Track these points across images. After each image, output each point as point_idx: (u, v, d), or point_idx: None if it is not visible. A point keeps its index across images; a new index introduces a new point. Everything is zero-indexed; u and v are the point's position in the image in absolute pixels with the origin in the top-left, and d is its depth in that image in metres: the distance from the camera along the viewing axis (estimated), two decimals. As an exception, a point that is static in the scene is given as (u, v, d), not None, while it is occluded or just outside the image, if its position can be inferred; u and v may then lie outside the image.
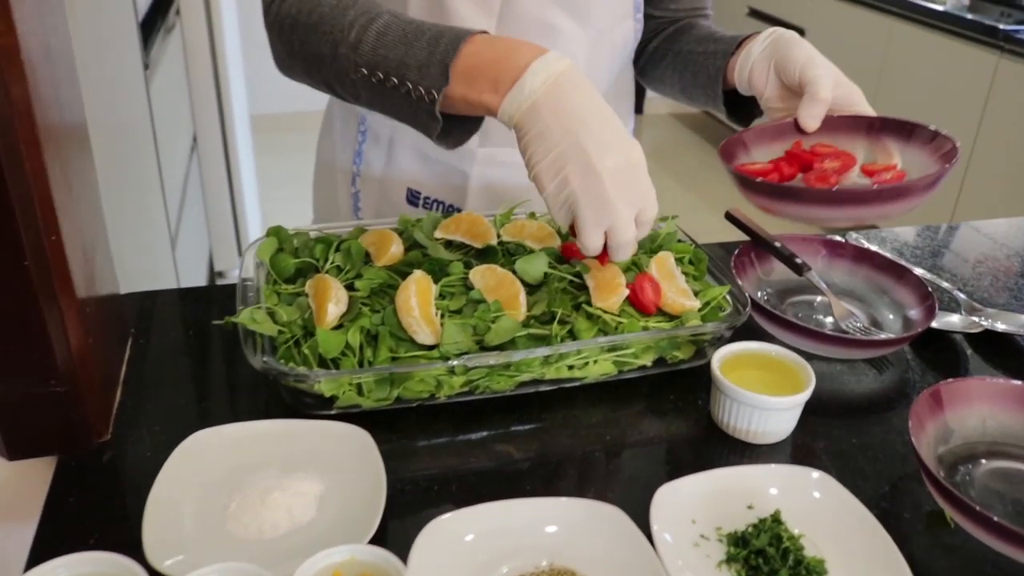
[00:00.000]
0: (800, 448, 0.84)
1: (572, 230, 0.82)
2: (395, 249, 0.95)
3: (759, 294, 1.04)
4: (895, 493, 0.78)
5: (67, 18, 0.81)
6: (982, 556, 0.72)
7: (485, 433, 0.85)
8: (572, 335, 0.86)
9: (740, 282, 0.99)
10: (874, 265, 1.06)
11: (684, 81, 1.16)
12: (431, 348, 0.83)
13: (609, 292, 0.89)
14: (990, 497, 0.77)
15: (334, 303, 0.85)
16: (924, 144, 0.94)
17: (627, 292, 0.90)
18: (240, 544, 0.68)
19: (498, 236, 1.01)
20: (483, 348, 0.83)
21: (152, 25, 2.27)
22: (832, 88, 0.96)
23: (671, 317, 0.90)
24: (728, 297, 0.94)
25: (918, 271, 1.13)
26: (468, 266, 0.94)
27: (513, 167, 1.13)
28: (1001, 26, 2.80)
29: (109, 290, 0.88)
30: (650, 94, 1.37)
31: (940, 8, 3.02)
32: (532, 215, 1.07)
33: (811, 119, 0.96)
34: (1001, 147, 2.85)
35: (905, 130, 0.96)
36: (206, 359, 0.94)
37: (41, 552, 0.69)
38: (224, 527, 0.70)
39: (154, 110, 2.12)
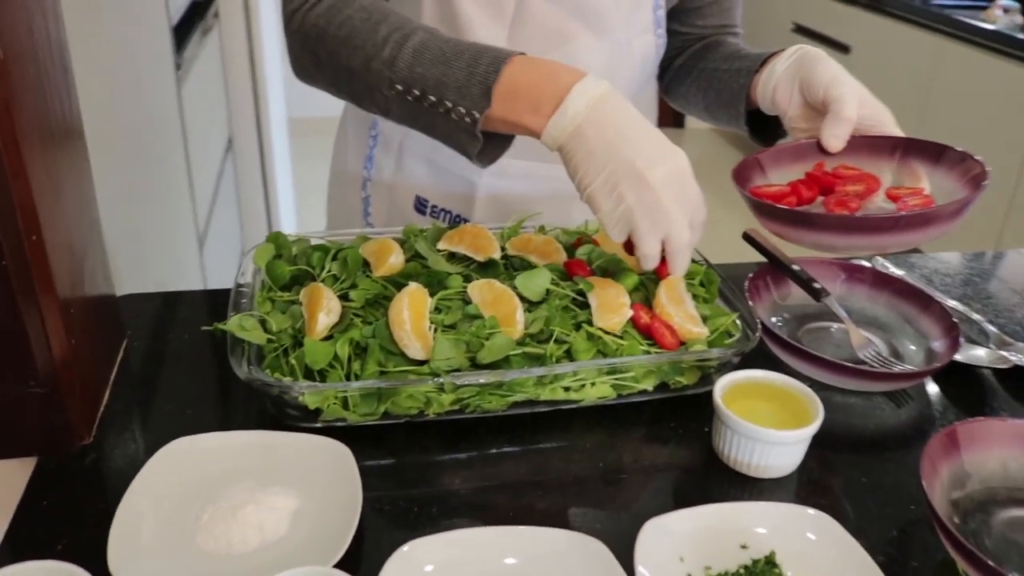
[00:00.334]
0: (805, 484, 0.79)
1: (626, 245, 0.84)
2: (394, 259, 0.92)
3: (773, 319, 1.00)
4: (904, 539, 0.74)
5: (62, 22, 0.80)
6: (994, 612, 0.67)
7: (474, 453, 0.81)
8: (569, 355, 0.83)
9: (753, 306, 0.95)
10: (897, 292, 1.01)
11: (708, 99, 1.13)
12: (422, 363, 0.80)
13: (611, 312, 0.86)
14: (1008, 549, 0.72)
15: (325, 313, 0.83)
16: (952, 167, 0.89)
17: (630, 313, 0.87)
18: (206, 559, 0.66)
19: (503, 249, 0.98)
20: (475, 366, 0.80)
21: (188, 27, 2.29)
22: (858, 107, 0.92)
23: (678, 342, 0.86)
24: (738, 322, 0.90)
25: (950, 302, 1.07)
26: (468, 279, 0.91)
27: (521, 178, 1.10)
28: (1055, 48, 2.70)
29: (100, 291, 0.87)
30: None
31: (991, 27, 2.93)
32: (541, 229, 1.04)
33: (834, 139, 0.92)
34: (1051, 173, 2.75)
35: (933, 152, 0.91)
36: (200, 365, 0.92)
37: (5, 556, 0.67)
38: (194, 540, 0.67)
39: (185, 111, 2.13)
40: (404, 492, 0.77)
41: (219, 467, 0.74)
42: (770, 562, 0.66)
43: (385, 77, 0.83)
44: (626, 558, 0.65)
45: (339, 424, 0.80)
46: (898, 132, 0.94)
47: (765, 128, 1.07)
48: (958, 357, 0.92)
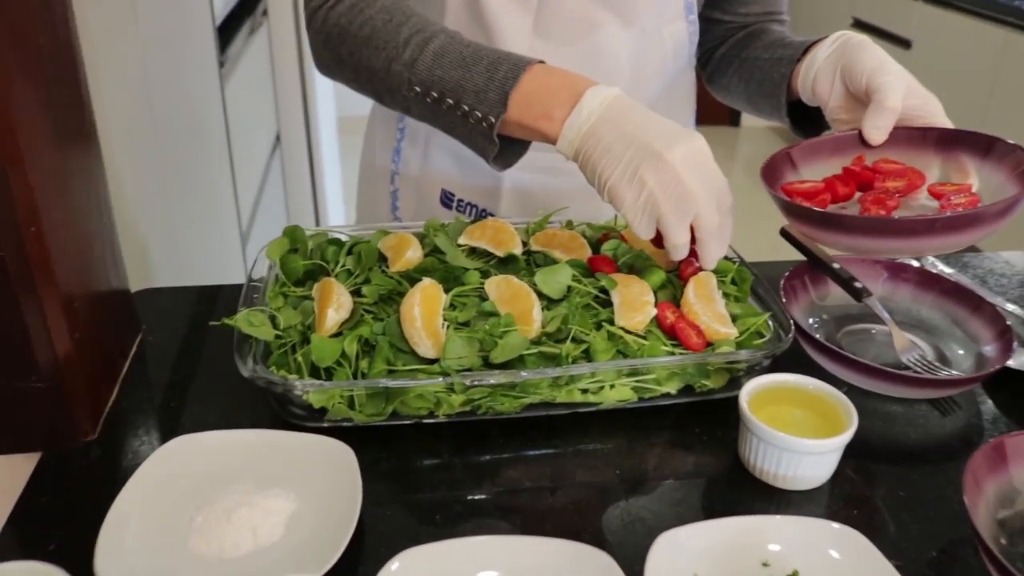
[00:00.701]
0: (838, 497, 0.74)
1: (655, 241, 0.80)
2: (411, 254, 0.89)
3: (811, 320, 0.94)
4: (945, 560, 0.68)
5: (72, 20, 0.78)
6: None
7: (486, 457, 0.78)
8: (588, 356, 0.79)
9: (789, 306, 0.90)
10: (945, 293, 0.95)
11: (749, 90, 1.07)
12: (433, 362, 0.77)
13: (634, 310, 0.81)
14: (1060, 572, 0.65)
15: (335, 309, 0.80)
16: (1002, 160, 0.82)
17: (654, 311, 0.82)
18: (196, 562, 0.63)
19: (525, 245, 0.94)
20: (488, 365, 0.77)
21: (236, 24, 2.30)
22: (904, 96, 0.85)
23: (704, 343, 0.81)
24: (770, 322, 0.85)
25: (1008, 305, 1.00)
26: (486, 275, 0.88)
27: (548, 172, 1.07)
28: None
29: (111, 285, 0.86)
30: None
31: (1063, 18, 2.80)
32: (568, 224, 1.00)
33: (876, 130, 0.86)
34: None
35: (982, 144, 0.84)
36: (214, 361, 0.90)
37: (-1, 555, 0.66)
38: (186, 542, 0.65)
39: (229, 108, 2.14)
40: (409, 496, 0.73)
41: (218, 467, 0.72)
42: (793, 582, 0.61)
43: (405, 79, 0.84)
44: (637, 573, 0.61)
45: (346, 424, 0.78)
46: (947, 123, 0.88)
47: (808, 120, 1.02)
48: (1011, 363, 0.85)
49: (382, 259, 0.92)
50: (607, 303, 0.85)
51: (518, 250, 0.91)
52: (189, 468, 0.71)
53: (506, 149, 0.84)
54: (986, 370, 0.84)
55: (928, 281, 0.96)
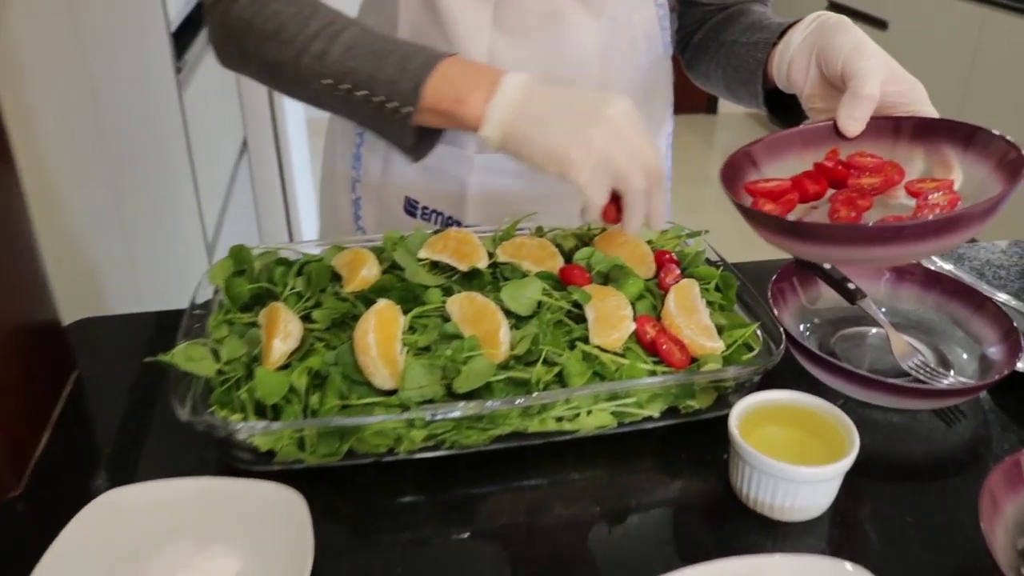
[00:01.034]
0: (840, 527, 0.67)
1: (608, 213, 0.78)
2: (366, 272, 0.82)
3: (801, 327, 0.88)
4: (960, 594, 0.62)
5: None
6: None
7: (454, 494, 0.71)
8: (561, 379, 0.72)
9: (778, 312, 0.83)
10: (945, 291, 0.89)
11: (727, 77, 1.00)
12: (391, 393, 0.70)
13: (611, 327, 0.75)
14: (1089, 605, 0.59)
15: (281, 339, 0.73)
16: (985, 152, 0.75)
17: (633, 327, 0.75)
18: (126, 641, 0.56)
19: (493, 255, 0.87)
20: (452, 395, 0.70)
21: (194, 28, 2.22)
22: (884, 83, 0.78)
23: (688, 359, 0.75)
24: (759, 333, 0.78)
25: (1002, 297, 0.94)
26: (449, 292, 0.81)
27: (516, 175, 0.99)
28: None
29: (35, 318, 0.78)
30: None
31: (1042, -7, 2.75)
32: (539, 230, 0.93)
33: (851, 121, 0.78)
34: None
35: (962, 134, 0.76)
36: (156, 398, 0.83)
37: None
38: (115, 615, 0.58)
39: (188, 115, 2.06)
40: (370, 544, 0.66)
41: (154, 524, 0.64)
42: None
43: (315, 71, 0.81)
44: (621, 631, 0.54)
45: (297, 466, 0.70)
46: (931, 112, 0.80)
47: (789, 109, 0.95)
48: (1020, 366, 0.79)
49: (337, 278, 0.85)
50: (581, 318, 0.78)
51: (483, 263, 0.83)
52: (119, 528, 0.64)
53: (420, 140, 0.82)
54: (994, 375, 0.78)
55: (928, 280, 0.89)
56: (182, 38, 2.07)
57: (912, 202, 0.77)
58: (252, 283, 0.83)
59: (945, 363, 0.84)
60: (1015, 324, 0.81)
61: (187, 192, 2.06)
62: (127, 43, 1.69)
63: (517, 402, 0.68)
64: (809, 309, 0.90)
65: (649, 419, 0.74)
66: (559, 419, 0.72)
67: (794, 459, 0.64)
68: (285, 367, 0.73)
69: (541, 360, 0.72)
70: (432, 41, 0.95)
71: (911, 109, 0.80)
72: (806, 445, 0.68)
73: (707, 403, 0.75)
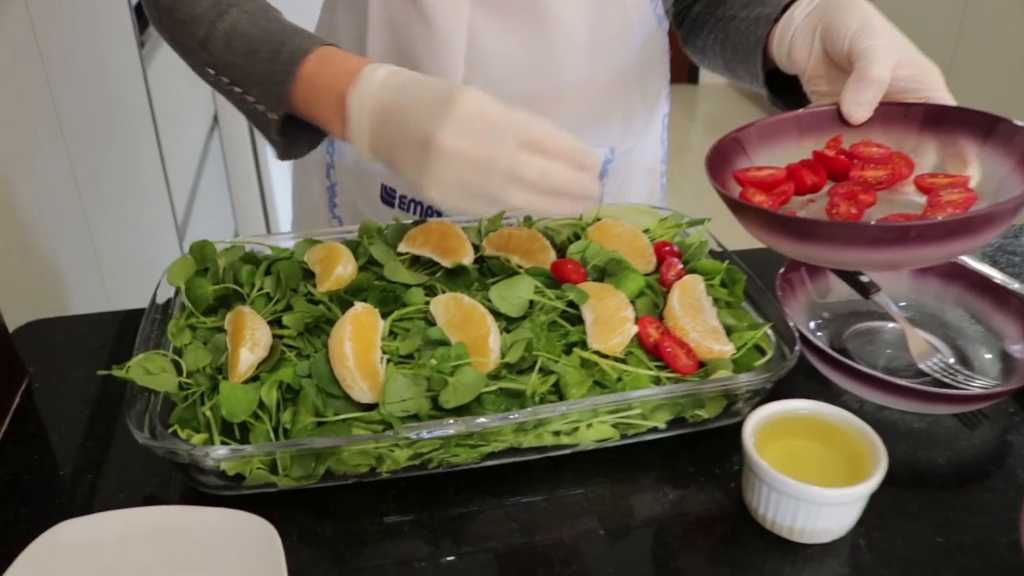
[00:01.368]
0: (861, 548, 0.62)
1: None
2: (341, 270, 0.75)
3: (812, 324, 0.82)
4: (999, 625, 0.56)
5: None
6: None
7: (442, 513, 0.65)
8: (557, 389, 0.65)
9: (787, 308, 0.77)
10: (965, 284, 0.83)
11: (726, 54, 0.93)
12: (371, 407, 0.64)
13: (611, 330, 0.68)
14: None
15: (248, 348, 0.66)
16: (1007, 146, 0.68)
17: (635, 329, 0.69)
18: None
19: (478, 248, 0.81)
20: (438, 408, 0.63)
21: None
22: (894, 65, 0.71)
23: (695, 364, 0.69)
24: (770, 333, 0.72)
25: (1015, 286, 0.89)
26: (432, 292, 0.74)
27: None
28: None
29: (-25, 328, 0.71)
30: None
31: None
32: (527, 220, 0.86)
33: (856, 106, 0.72)
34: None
35: (979, 125, 0.70)
36: (116, 410, 0.76)
37: None
38: (64, 671, 0.51)
39: (152, 91, 1.96)
40: (350, 572, 0.60)
41: (106, 563, 0.58)
42: None
43: (201, 59, 0.75)
44: None
45: (271, 489, 0.64)
46: (948, 98, 0.73)
47: (792, 91, 0.88)
48: (1045, 364, 0.74)
49: (309, 275, 0.78)
50: (577, 318, 0.71)
51: (468, 259, 0.77)
52: (68, 569, 0.57)
53: (298, 139, 0.76)
54: (1018, 379, 0.72)
55: (949, 273, 0.83)
56: (143, 11, 1.97)
57: (922, 199, 0.71)
58: (216, 283, 0.76)
59: (965, 362, 0.79)
60: (1042, 319, 0.76)
61: (154, 173, 1.97)
62: (83, 16, 1.59)
63: (512, 418, 0.62)
64: (819, 303, 0.84)
65: (654, 430, 0.68)
66: (556, 433, 0.66)
67: (814, 476, 0.59)
68: (253, 379, 0.66)
69: (537, 367, 0.65)
70: (407, 17, 0.87)
71: (925, 95, 0.73)
72: (826, 460, 0.63)
73: (716, 412, 0.69)
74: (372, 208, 1.01)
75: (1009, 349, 0.77)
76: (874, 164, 0.72)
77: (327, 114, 0.69)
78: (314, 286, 0.76)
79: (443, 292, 0.73)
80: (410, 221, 0.83)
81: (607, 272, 0.77)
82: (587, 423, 0.65)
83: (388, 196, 0.98)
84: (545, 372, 0.66)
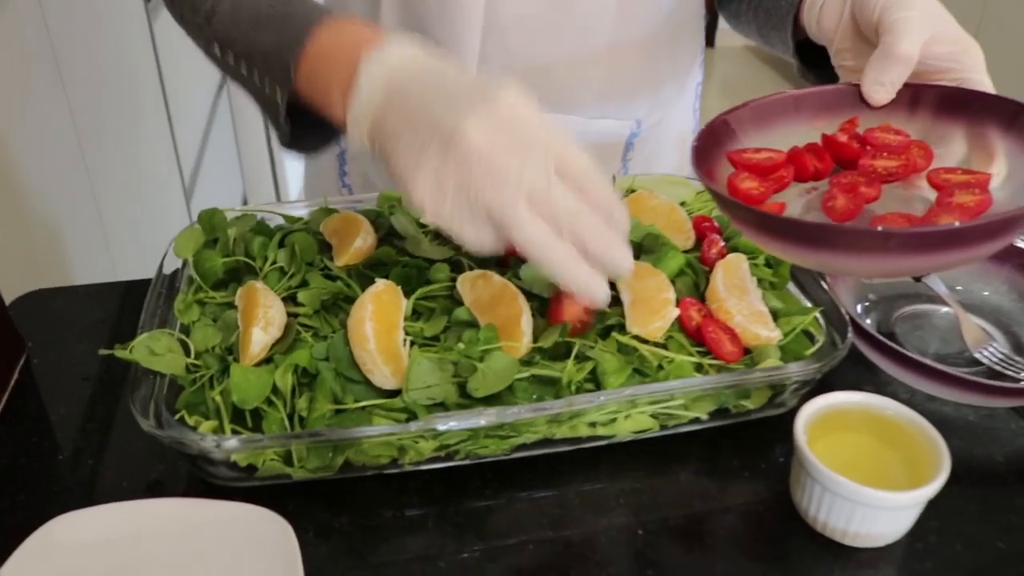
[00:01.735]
0: (918, 552, 0.57)
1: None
2: (360, 242, 0.70)
3: (858, 307, 0.77)
4: (1071, 641, 0.52)
5: None
6: None
7: (468, 506, 0.60)
8: (594, 376, 0.61)
9: (834, 291, 0.72)
10: (1017, 265, 0.78)
11: (759, 20, 0.86)
12: (394, 394, 0.59)
13: (652, 313, 0.64)
14: None
15: (261, 327, 0.61)
16: None
17: (676, 312, 0.64)
18: None
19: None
20: (465, 395, 0.59)
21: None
22: (925, 41, 0.63)
23: (740, 351, 0.64)
24: (819, 318, 0.67)
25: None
26: (459, 268, 0.70)
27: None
28: None
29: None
30: (723, 23, 1.08)
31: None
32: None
33: (877, 86, 0.63)
34: None
35: (1003, 112, 0.61)
36: (120, 388, 0.71)
37: None
38: None
39: (159, 48, 1.90)
40: (369, 568, 0.56)
41: (109, 560, 0.54)
42: None
43: (205, 35, 0.68)
44: None
45: (285, 480, 0.60)
46: (986, 83, 0.64)
47: (824, 63, 0.80)
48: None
49: (326, 247, 0.73)
50: (614, 299, 0.67)
51: (497, 233, 0.72)
52: (71, 565, 0.53)
53: (309, 132, 0.66)
54: (1086, 368, 0.67)
55: (1002, 253, 0.78)
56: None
57: (934, 196, 0.61)
58: (226, 256, 0.71)
59: (1020, 349, 0.74)
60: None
61: (161, 133, 1.92)
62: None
63: (548, 409, 0.57)
64: (866, 284, 0.79)
65: (695, 420, 0.64)
66: (592, 424, 0.61)
67: (869, 475, 0.54)
68: (266, 361, 0.61)
69: (574, 354, 0.61)
70: None
71: (960, 77, 0.64)
72: (881, 458, 0.58)
73: (761, 402, 0.65)
74: (383, 178, 0.96)
75: (1069, 337, 0.72)
76: (887, 153, 0.63)
77: (331, 84, 0.59)
78: (331, 259, 0.71)
79: (470, 268, 0.68)
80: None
81: (644, 249, 0.72)
82: (625, 414, 0.61)
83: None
84: (580, 359, 0.61)
